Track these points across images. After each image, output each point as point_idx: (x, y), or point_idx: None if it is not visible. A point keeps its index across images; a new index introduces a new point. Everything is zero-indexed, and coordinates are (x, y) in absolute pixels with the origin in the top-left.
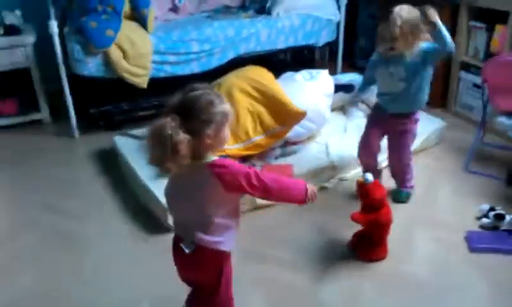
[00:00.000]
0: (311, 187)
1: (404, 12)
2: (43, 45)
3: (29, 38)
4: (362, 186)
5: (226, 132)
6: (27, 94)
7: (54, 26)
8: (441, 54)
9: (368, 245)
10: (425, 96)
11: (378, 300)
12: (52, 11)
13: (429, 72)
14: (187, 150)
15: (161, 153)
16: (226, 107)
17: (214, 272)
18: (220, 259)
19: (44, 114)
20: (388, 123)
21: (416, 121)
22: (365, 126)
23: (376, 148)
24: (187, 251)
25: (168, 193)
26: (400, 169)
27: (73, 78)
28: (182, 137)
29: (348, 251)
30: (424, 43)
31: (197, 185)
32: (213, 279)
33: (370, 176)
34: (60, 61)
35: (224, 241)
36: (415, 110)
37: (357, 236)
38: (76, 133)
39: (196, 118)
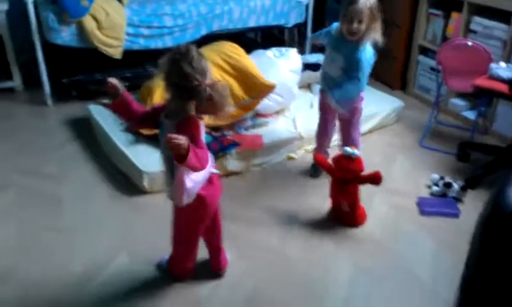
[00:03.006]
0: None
1: (370, 2)
2: (16, 12)
3: (2, 5)
4: (345, 159)
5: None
6: (0, 62)
7: None
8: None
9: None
10: (364, 84)
11: (338, 254)
12: None
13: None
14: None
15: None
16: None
17: None
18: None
19: (16, 82)
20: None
21: (361, 99)
22: (319, 115)
23: (332, 133)
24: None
25: None
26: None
27: (47, 47)
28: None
29: (312, 213)
30: (370, 50)
31: None
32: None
33: (355, 151)
34: (34, 29)
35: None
36: (358, 96)
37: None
38: (49, 101)
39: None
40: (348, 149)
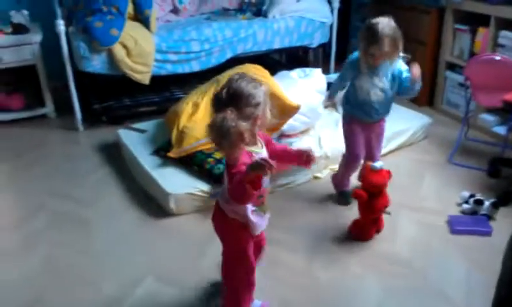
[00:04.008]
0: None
1: (389, 28)
2: (49, 43)
3: (36, 37)
4: (369, 172)
5: (268, 110)
6: (34, 90)
7: (60, 25)
8: (407, 93)
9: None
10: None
11: (365, 275)
12: (58, 11)
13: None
14: (249, 135)
15: (228, 144)
16: (266, 86)
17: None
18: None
19: (49, 108)
20: (368, 128)
21: (385, 119)
22: (353, 141)
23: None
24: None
25: None
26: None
27: (77, 74)
28: (244, 125)
29: (339, 234)
30: (402, 68)
31: None
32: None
33: (378, 164)
34: (66, 58)
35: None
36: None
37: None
38: (81, 127)
39: (248, 104)
40: (376, 164)
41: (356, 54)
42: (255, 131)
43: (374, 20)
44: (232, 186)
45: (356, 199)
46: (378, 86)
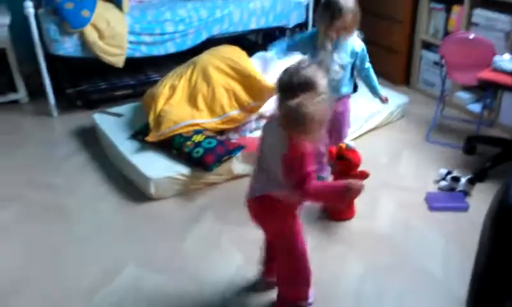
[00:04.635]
0: (355, 184)
1: (349, 2)
2: (18, 26)
3: (4, 19)
4: (345, 149)
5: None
6: (4, 75)
7: (29, 7)
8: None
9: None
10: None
11: (347, 252)
12: None
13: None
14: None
15: (303, 129)
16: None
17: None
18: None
19: (21, 94)
20: None
21: (350, 96)
22: None
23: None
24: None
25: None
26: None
27: (49, 58)
28: (322, 105)
29: (319, 213)
30: (361, 45)
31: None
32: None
33: (351, 143)
34: (37, 41)
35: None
36: (351, 91)
37: None
38: (54, 112)
39: (315, 92)
40: (349, 143)
41: (313, 31)
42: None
43: None
44: (317, 190)
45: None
46: (337, 62)
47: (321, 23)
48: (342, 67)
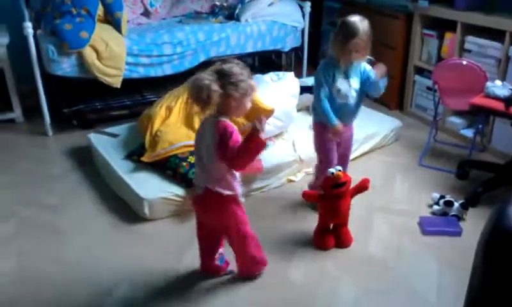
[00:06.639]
0: (258, 120)
1: (364, 25)
2: (17, 46)
3: (3, 39)
4: (340, 178)
5: (248, 103)
6: (1, 94)
7: (28, 27)
8: (373, 89)
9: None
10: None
11: (341, 277)
12: (25, 13)
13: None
14: (217, 100)
15: (196, 97)
16: (253, 82)
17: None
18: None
19: (17, 113)
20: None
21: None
22: (327, 149)
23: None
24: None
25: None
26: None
27: (46, 78)
28: (216, 87)
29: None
30: (367, 67)
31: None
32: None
33: (337, 167)
34: (34, 61)
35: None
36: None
37: (319, 232)
38: (49, 131)
39: (228, 78)
40: (339, 167)
41: (324, 62)
42: (224, 108)
43: (351, 18)
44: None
45: (308, 200)
46: (353, 87)
47: (336, 46)
48: (356, 91)
